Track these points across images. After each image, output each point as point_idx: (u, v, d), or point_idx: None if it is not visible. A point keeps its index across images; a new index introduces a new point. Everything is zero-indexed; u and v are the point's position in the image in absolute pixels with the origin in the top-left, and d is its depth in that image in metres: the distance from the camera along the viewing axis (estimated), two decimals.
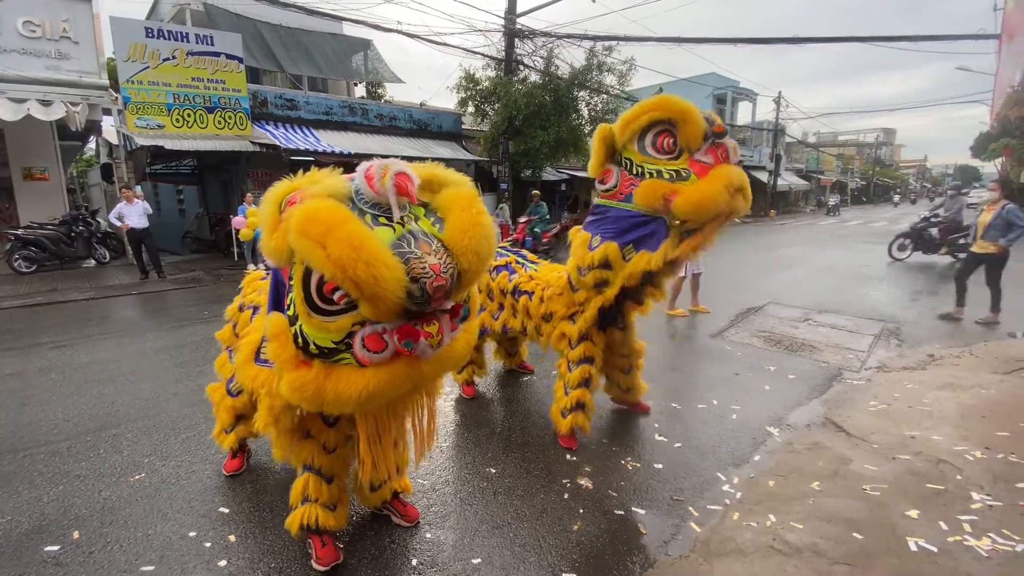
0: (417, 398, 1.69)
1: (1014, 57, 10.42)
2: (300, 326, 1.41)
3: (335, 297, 1.32)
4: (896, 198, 32.22)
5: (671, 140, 2.32)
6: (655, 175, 2.36)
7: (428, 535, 2.25)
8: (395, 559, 2.10)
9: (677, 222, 2.39)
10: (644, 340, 3.31)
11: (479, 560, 2.10)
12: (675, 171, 2.32)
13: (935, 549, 2.12)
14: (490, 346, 3.97)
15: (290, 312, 1.47)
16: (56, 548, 2.15)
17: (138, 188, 9.18)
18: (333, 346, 1.38)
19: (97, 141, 13.36)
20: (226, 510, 2.40)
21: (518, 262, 3.28)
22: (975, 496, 2.47)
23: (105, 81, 9.58)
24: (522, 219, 11.48)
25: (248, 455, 2.78)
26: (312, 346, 1.41)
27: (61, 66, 9.17)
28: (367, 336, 1.36)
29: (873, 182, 47.32)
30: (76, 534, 2.23)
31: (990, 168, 35.90)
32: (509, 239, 11.71)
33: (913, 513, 2.34)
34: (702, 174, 2.26)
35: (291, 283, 1.44)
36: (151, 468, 2.77)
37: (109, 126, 10.46)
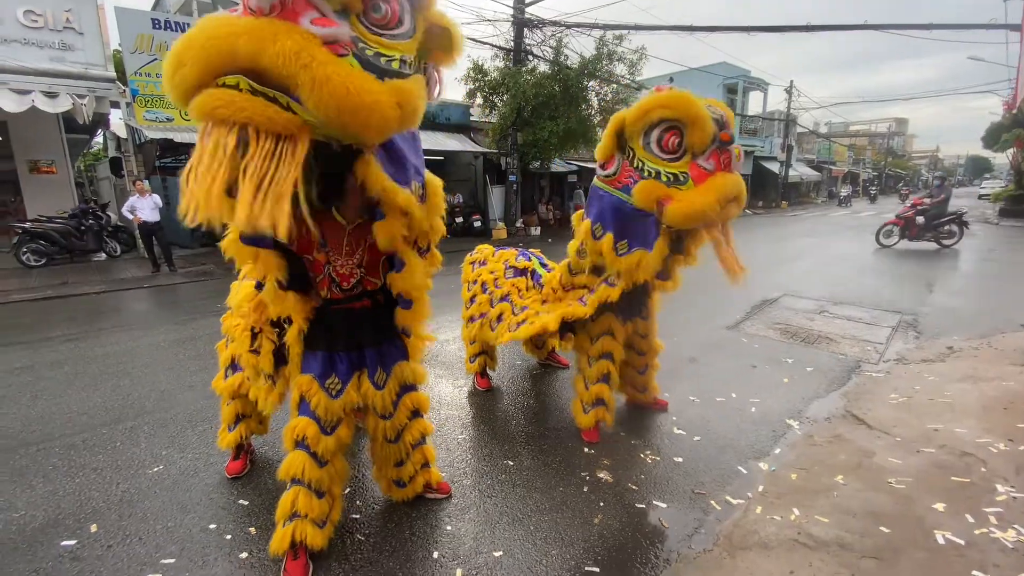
0: None
1: None
2: None
3: None
4: (904, 190, 31.26)
5: (677, 140, 2.30)
6: (654, 175, 2.35)
7: (448, 527, 2.23)
8: (416, 552, 2.09)
9: (665, 226, 2.43)
10: (660, 333, 3.27)
11: (500, 553, 2.08)
12: (673, 174, 2.31)
13: (962, 542, 2.09)
14: None
15: None
16: (73, 542, 2.14)
17: (145, 183, 9.16)
18: None
19: (105, 134, 13.37)
20: (245, 502, 2.39)
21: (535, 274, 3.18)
22: (1000, 488, 2.43)
23: (112, 73, 9.55)
24: None
25: (252, 456, 2.72)
26: None
27: (65, 57, 9.12)
28: None
29: (885, 172, 46.73)
30: (94, 527, 2.23)
31: (1001, 159, 35.30)
32: None
33: (939, 506, 2.30)
34: (699, 180, 2.26)
35: None
36: (169, 460, 2.77)
37: (117, 119, 10.44)
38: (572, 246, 2.79)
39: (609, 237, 2.53)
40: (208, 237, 13.24)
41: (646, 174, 2.36)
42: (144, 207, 8.41)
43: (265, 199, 1.18)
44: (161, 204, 8.79)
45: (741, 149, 2.36)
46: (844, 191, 30.63)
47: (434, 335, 2.30)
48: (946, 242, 10.40)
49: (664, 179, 2.32)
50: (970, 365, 4.06)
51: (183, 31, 9.33)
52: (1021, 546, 2.06)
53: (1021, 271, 8.14)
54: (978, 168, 77.73)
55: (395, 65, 1.28)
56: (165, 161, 12.73)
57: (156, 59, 9.67)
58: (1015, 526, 2.16)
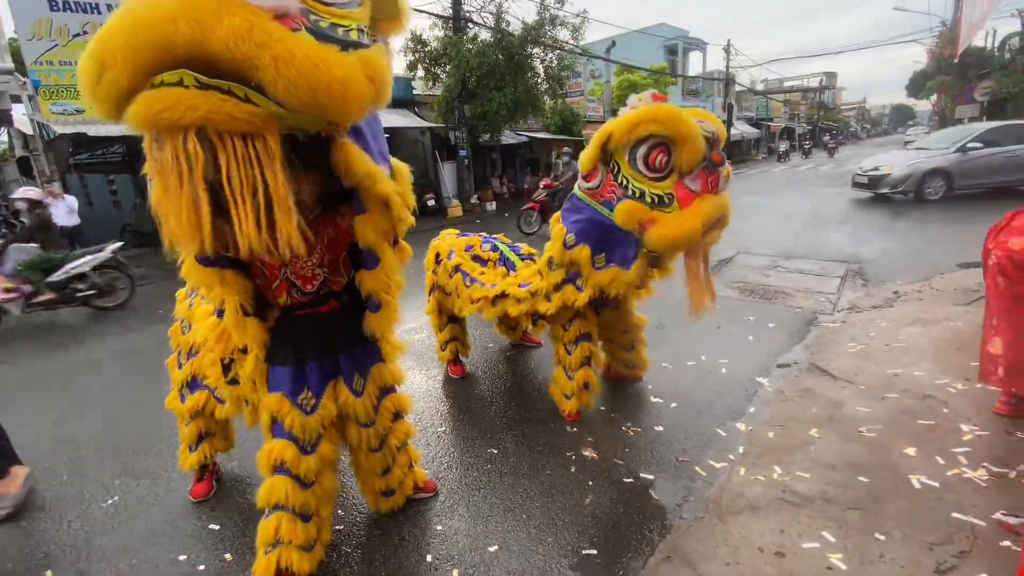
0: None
1: None
2: None
3: None
4: (831, 144, 31.96)
5: (664, 159, 2.19)
6: (638, 195, 2.26)
7: (439, 527, 2.16)
8: (408, 557, 2.00)
9: (645, 249, 2.37)
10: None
11: (495, 547, 2.03)
12: (658, 195, 2.23)
13: (937, 484, 2.18)
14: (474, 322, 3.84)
15: None
16: None
17: (56, 185, 8.30)
18: None
19: (9, 132, 12.03)
20: (216, 527, 2.22)
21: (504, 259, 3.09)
22: (964, 428, 2.55)
23: (9, 64, 8.56)
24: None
25: (218, 476, 2.51)
26: None
27: None
28: None
29: (818, 126, 48.56)
30: (49, 574, 2.02)
31: (924, 105, 37.26)
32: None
33: (911, 451, 2.40)
34: (685, 202, 2.18)
35: None
36: (124, 490, 2.54)
37: (20, 115, 9.41)
38: (550, 247, 2.67)
39: (586, 249, 2.47)
40: (142, 237, 12.32)
41: (630, 193, 2.27)
42: (59, 212, 7.69)
43: (269, 213, 1.07)
44: (77, 206, 8.03)
45: (731, 169, 2.28)
46: (782, 146, 31.61)
47: (403, 332, 2.17)
48: None
49: (648, 200, 2.23)
50: (917, 308, 4.28)
51: (86, 12, 8.27)
52: (993, 484, 2.15)
53: (949, 214, 8.65)
54: (902, 116, 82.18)
55: (354, 35, 1.13)
56: (80, 157, 11.64)
57: (57, 44, 8.70)
58: (984, 464, 2.27)
